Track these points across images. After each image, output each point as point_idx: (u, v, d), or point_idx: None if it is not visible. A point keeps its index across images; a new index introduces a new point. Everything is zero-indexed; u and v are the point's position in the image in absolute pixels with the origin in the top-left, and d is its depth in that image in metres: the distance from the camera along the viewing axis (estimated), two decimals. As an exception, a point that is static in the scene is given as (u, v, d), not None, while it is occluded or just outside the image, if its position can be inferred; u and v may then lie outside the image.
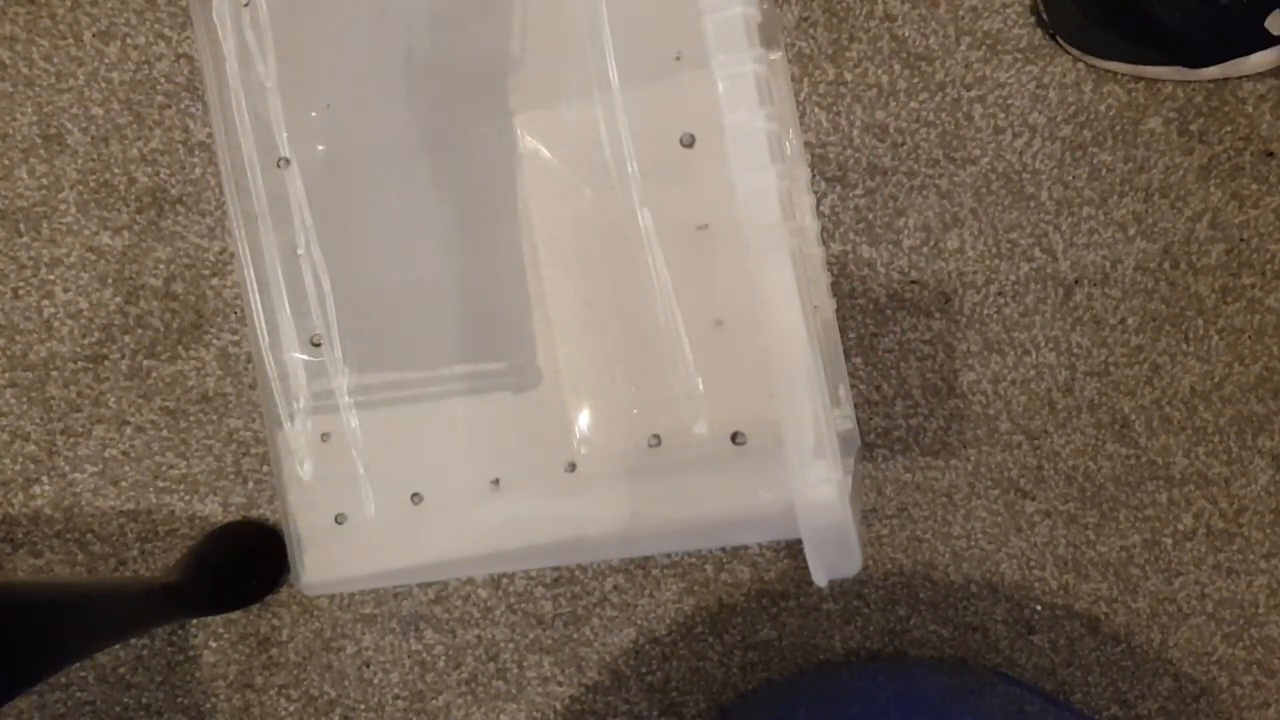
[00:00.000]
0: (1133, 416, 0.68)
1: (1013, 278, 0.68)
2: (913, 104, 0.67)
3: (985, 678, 0.68)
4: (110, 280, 0.77)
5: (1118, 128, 0.66)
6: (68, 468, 0.78)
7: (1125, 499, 0.68)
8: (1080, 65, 0.66)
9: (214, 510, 0.78)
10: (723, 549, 0.72)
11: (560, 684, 0.76)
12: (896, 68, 0.67)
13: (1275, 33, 0.59)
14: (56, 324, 0.78)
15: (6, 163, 0.78)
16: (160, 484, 0.78)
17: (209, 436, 0.77)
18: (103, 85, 0.76)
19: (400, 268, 0.69)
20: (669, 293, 0.64)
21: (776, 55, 0.67)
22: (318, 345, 0.70)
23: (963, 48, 0.67)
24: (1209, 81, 0.64)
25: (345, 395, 0.69)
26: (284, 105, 0.68)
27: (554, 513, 0.67)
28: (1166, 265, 0.66)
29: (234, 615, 0.78)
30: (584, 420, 0.66)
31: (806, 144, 0.69)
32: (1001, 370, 0.68)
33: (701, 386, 0.64)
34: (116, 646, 0.78)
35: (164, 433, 0.77)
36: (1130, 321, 0.67)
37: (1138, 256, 0.66)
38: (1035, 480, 0.69)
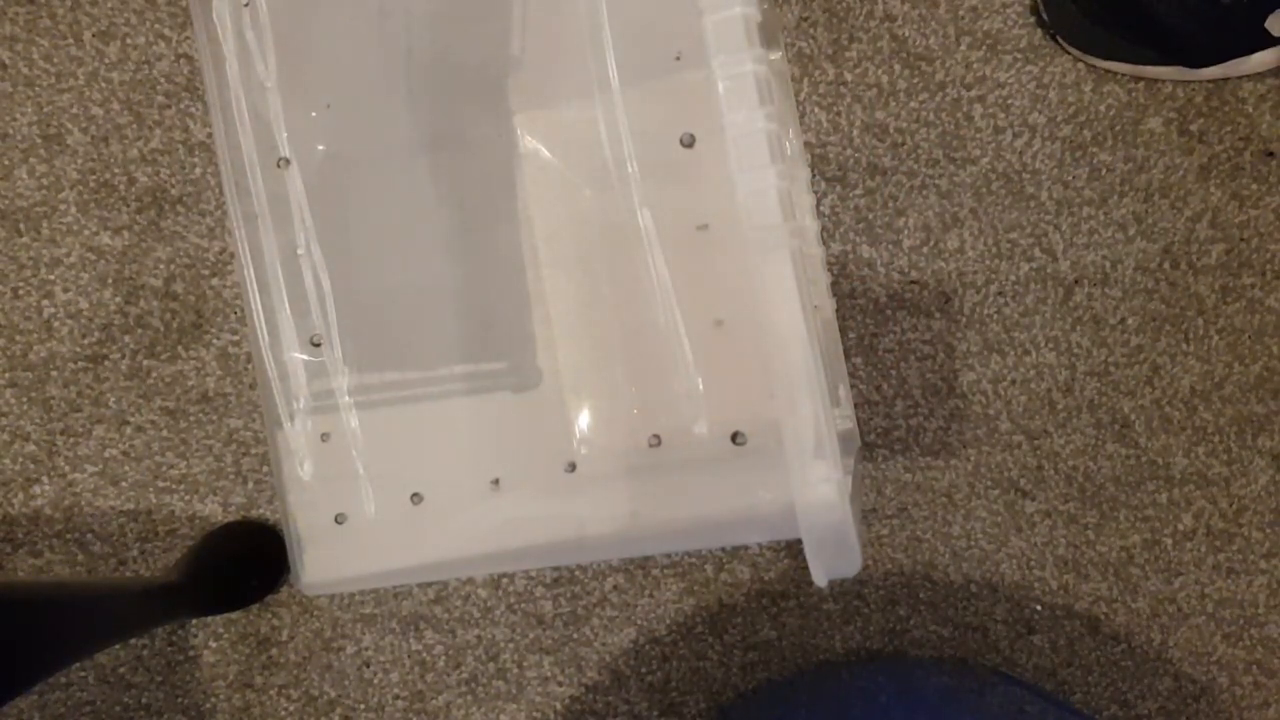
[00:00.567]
0: (1133, 416, 0.68)
1: (1013, 278, 0.68)
2: (913, 104, 0.67)
3: (985, 678, 0.68)
4: (110, 280, 0.77)
5: (1118, 128, 0.66)
6: (68, 468, 0.78)
7: (1125, 499, 0.68)
8: (1080, 65, 0.66)
9: (214, 510, 0.78)
10: (723, 549, 0.72)
11: (560, 684, 0.76)
12: (896, 68, 0.67)
13: (1275, 33, 0.59)
14: (56, 324, 0.78)
15: (6, 163, 0.78)
16: (160, 484, 0.78)
17: (209, 436, 0.77)
18: (103, 85, 0.76)
19: (400, 267, 0.69)
20: (669, 293, 0.64)
21: (776, 55, 0.67)
22: (318, 345, 0.70)
23: (963, 48, 0.67)
24: (1209, 81, 0.64)
25: (345, 395, 0.69)
26: (284, 105, 0.68)
27: (554, 513, 0.67)
28: (1166, 265, 0.66)
29: (234, 615, 0.78)
30: (584, 420, 0.66)
31: (806, 144, 0.69)
32: (1001, 370, 0.68)
33: (701, 386, 0.64)
34: (116, 646, 0.78)
35: (164, 433, 0.77)
36: (1130, 321, 0.67)
37: (1138, 256, 0.66)
38: (1035, 480, 0.69)
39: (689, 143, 0.63)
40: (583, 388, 0.66)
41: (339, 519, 0.70)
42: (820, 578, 0.49)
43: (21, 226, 0.78)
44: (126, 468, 0.78)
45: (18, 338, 0.78)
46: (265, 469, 0.77)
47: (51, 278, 0.78)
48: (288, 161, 0.69)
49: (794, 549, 0.72)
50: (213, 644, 0.79)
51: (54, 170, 0.77)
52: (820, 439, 0.47)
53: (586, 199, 0.65)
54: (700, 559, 0.73)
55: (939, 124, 0.67)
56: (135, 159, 0.76)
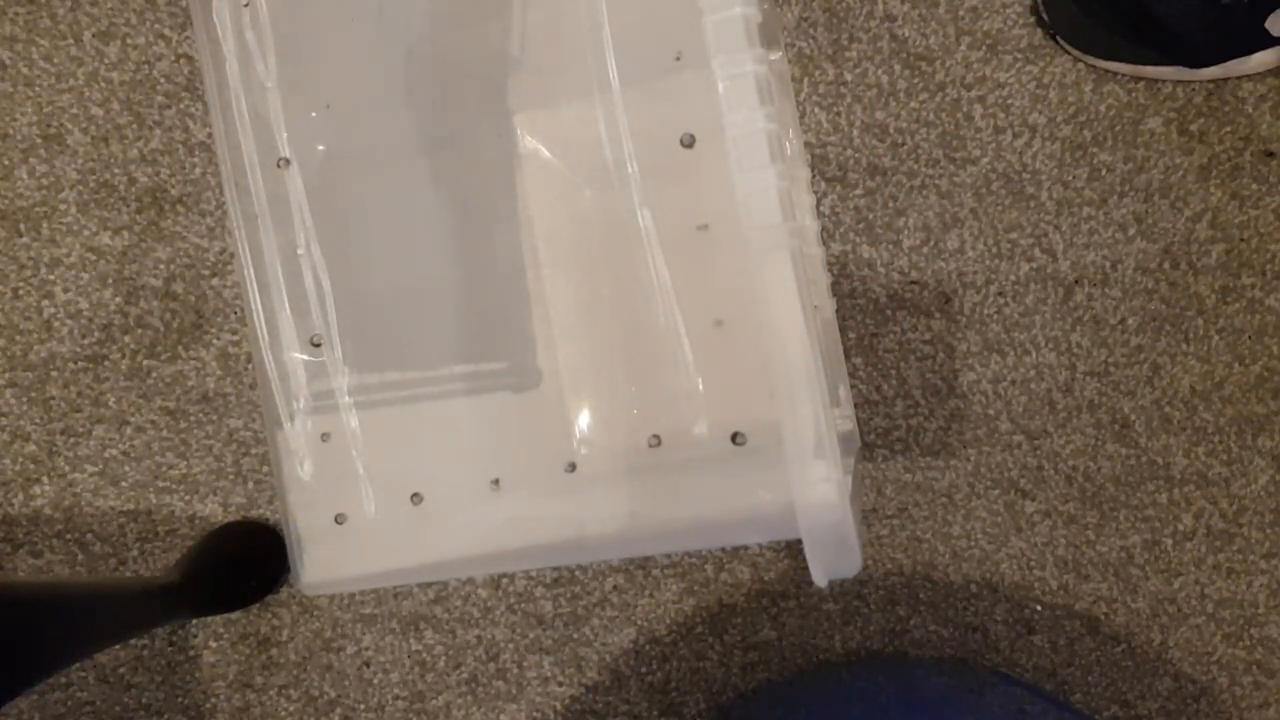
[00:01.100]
0: (1133, 416, 0.68)
1: (1013, 278, 0.68)
2: (913, 104, 0.67)
3: (985, 678, 0.68)
4: (110, 280, 0.77)
5: (1118, 128, 0.66)
6: (68, 468, 0.78)
7: (1125, 499, 0.68)
8: (1080, 65, 0.66)
9: (214, 510, 0.78)
10: (723, 549, 0.72)
11: (560, 684, 0.76)
12: (896, 68, 0.67)
13: (1275, 33, 0.59)
14: (56, 324, 0.78)
15: (6, 163, 0.78)
16: (160, 484, 0.78)
17: (209, 436, 0.77)
18: (103, 85, 0.76)
19: (400, 268, 0.69)
20: (669, 293, 0.64)
21: (776, 55, 0.67)
22: (318, 345, 0.70)
23: (963, 48, 0.67)
24: (1209, 81, 0.64)
25: (345, 395, 0.70)
26: (284, 105, 0.68)
27: (554, 513, 0.67)
28: (1166, 265, 0.66)
29: (234, 615, 0.78)
30: (584, 420, 0.66)
31: (806, 144, 0.69)
32: (1001, 370, 0.68)
33: (701, 386, 0.64)
34: (116, 646, 0.78)
35: (164, 433, 0.77)
36: (1130, 321, 0.67)
37: (1138, 256, 0.66)
38: (1035, 480, 0.69)
39: (689, 143, 0.63)
40: (583, 388, 0.66)
41: (339, 519, 0.70)
42: (820, 578, 0.49)
43: (21, 226, 0.78)
44: (126, 468, 0.78)
45: (18, 338, 0.78)
46: (265, 469, 0.77)
47: (51, 278, 0.78)
48: (288, 161, 0.69)
49: (794, 549, 0.72)
50: (213, 644, 0.79)
51: (54, 170, 0.77)
52: (820, 439, 0.47)
53: (586, 199, 0.65)
54: (700, 559, 0.73)
55: (939, 124, 0.67)
56: (135, 159, 0.76)
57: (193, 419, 0.77)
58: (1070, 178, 0.66)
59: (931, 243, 0.68)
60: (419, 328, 0.69)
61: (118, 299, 0.77)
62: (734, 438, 0.64)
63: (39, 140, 0.77)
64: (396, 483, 0.69)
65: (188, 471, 0.77)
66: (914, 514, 0.71)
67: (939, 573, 0.71)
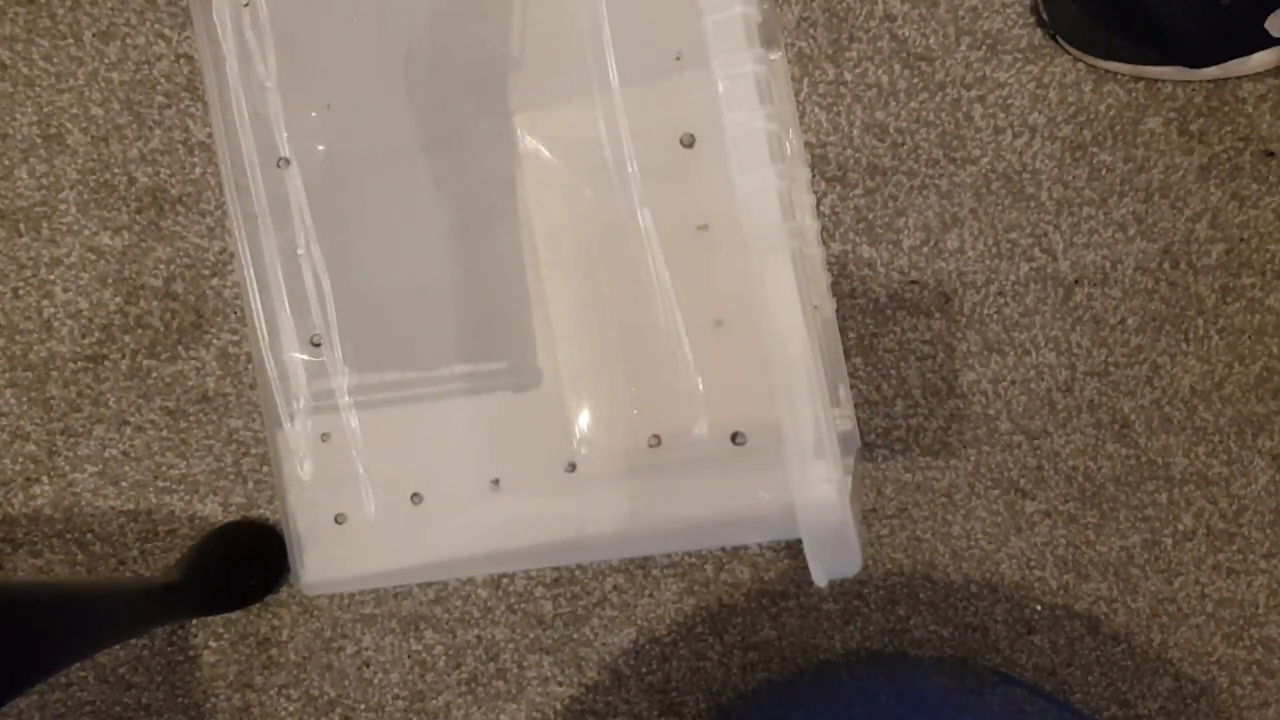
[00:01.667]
0: (1133, 416, 0.68)
1: (1013, 278, 0.68)
2: (913, 104, 0.67)
3: (985, 678, 0.68)
4: (110, 280, 0.77)
5: (1118, 128, 0.66)
6: (68, 468, 0.78)
7: (1125, 499, 0.68)
8: (1080, 65, 0.66)
9: (214, 510, 0.78)
10: (723, 549, 0.72)
11: (560, 684, 0.76)
12: (896, 68, 0.67)
13: (1275, 33, 0.59)
14: (56, 324, 0.78)
15: (6, 163, 0.78)
16: (160, 484, 0.78)
17: (209, 436, 0.77)
18: (103, 85, 0.76)
19: (400, 267, 0.69)
20: (669, 293, 0.64)
21: (776, 55, 0.67)
22: (318, 345, 0.70)
23: (963, 48, 0.67)
24: (1209, 81, 0.64)
25: (345, 395, 0.70)
26: (284, 105, 0.68)
27: (554, 513, 0.67)
28: (1166, 265, 0.66)
29: (234, 615, 0.78)
30: (584, 420, 0.66)
31: (806, 144, 0.69)
32: (1001, 370, 0.68)
33: (701, 386, 0.64)
34: (116, 646, 0.78)
35: (164, 433, 0.77)
36: (1130, 321, 0.67)
37: (1138, 256, 0.66)
38: (1035, 480, 0.69)
39: (689, 143, 0.63)
40: (583, 388, 0.66)
41: (339, 519, 0.70)
42: (820, 578, 0.49)
43: (21, 226, 0.78)
44: (126, 468, 0.78)
45: (18, 338, 0.78)
46: (265, 469, 0.77)
47: (51, 278, 0.78)
48: (288, 161, 0.69)
49: (794, 549, 0.72)
50: (213, 644, 0.79)
51: (54, 170, 0.77)
52: (820, 439, 0.47)
53: (586, 199, 0.65)
54: (700, 559, 0.73)
55: (939, 124, 0.67)
56: (135, 159, 0.76)
57: (193, 419, 0.77)
58: (1070, 178, 0.66)
59: (931, 243, 0.68)
60: (419, 328, 0.69)
61: (118, 299, 0.77)
62: (734, 438, 0.64)
63: (39, 140, 0.77)
64: (396, 483, 0.69)
65: (188, 471, 0.77)
66: (914, 514, 0.71)
67: (939, 573, 0.71)
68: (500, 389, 0.68)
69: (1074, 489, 0.69)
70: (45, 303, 0.78)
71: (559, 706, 0.76)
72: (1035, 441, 0.69)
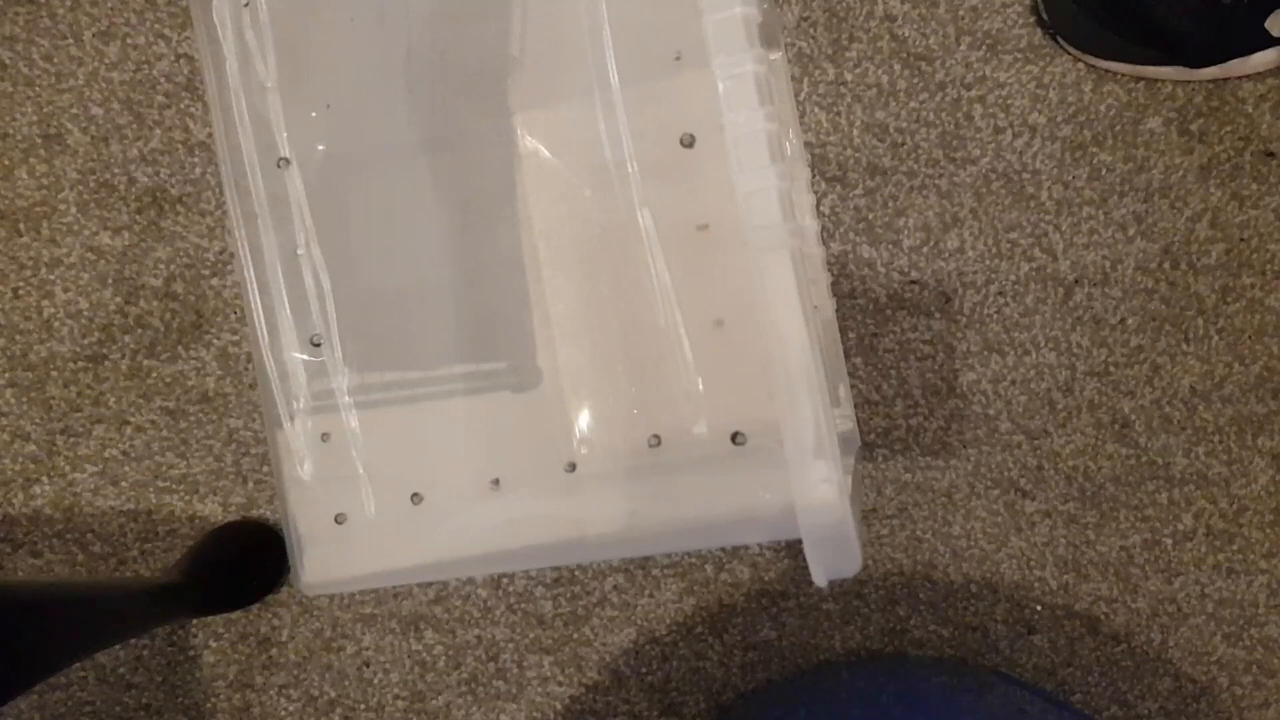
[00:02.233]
0: (1133, 416, 0.68)
1: (1013, 278, 0.68)
2: (913, 104, 0.67)
3: (985, 678, 0.68)
4: (110, 280, 0.77)
5: (1118, 128, 0.66)
6: (68, 468, 0.78)
7: (1125, 499, 0.68)
8: (1080, 65, 0.66)
9: (214, 510, 0.78)
10: (723, 549, 0.72)
11: (560, 684, 0.76)
12: (896, 68, 0.67)
13: (1275, 33, 0.59)
14: (56, 324, 0.78)
15: (6, 163, 0.78)
16: (160, 484, 0.78)
17: (209, 436, 0.77)
18: (103, 85, 0.76)
19: (400, 267, 0.69)
20: (669, 293, 0.64)
21: (776, 55, 0.67)
22: (318, 345, 0.70)
23: (963, 48, 0.67)
24: (1209, 81, 0.64)
25: (345, 395, 0.69)
26: (284, 105, 0.68)
27: (554, 513, 0.67)
28: (1166, 265, 0.66)
29: (234, 615, 0.78)
30: (584, 420, 0.66)
31: (806, 144, 0.69)
32: (1001, 370, 0.68)
33: (701, 386, 0.64)
34: (116, 646, 0.78)
35: (164, 433, 0.77)
36: (1130, 321, 0.67)
37: (1138, 256, 0.66)
38: (1035, 480, 0.69)
39: (689, 143, 0.63)
40: (583, 388, 0.66)
41: (339, 519, 0.70)
42: (820, 578, 0.49)
43: (21, 226, 0.78)
44: (126, 468, 0.78)
45: (18, 338, 0.78)
46: (265, 469, 0.77)
47: (51, 278, 0.78)
48: (288, 161, 0.69)
49: (794, 549, 0.72)
50: (213, 644, 0.79)
51: (54, 170, 0.77)
52: (820, 439, 0.47)
53: (586, 199, 0.65)
54: (700, 559, 0.73)
55: (939, 124, 0.67)
56: (135, 159, 0.76)
57: (193, 419, 0.77)
58: (1070, 178, 0.66)
59: (931, 243, 0.68)
60: (419, 328, 0.69)
61: (118, 299, 0.77)
62: (734, 438, 0.64)
63: (39, 140, 0.77)
64: (396, 483, 0.69)
65: (188, 471, 0.77)
66: (914, 514, 0.71)
67: (939, 573, 0.71)
68: (500, 389, 0.68)
69: (1074, 489, 0.69)
70: (45, 303, 0.78)
71: (559, 706, 0.76)
72: (1035, 441, 0.69)
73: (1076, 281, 0.67)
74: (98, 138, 0.77)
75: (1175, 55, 0.62)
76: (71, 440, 0.78)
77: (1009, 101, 0.66)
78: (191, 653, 0.79)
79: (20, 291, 0.78)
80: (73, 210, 0.77)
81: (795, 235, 0.49)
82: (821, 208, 0.69)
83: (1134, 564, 0.69)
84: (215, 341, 0.76)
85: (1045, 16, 0.65)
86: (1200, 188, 0.65)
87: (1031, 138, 0.66)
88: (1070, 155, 0.66)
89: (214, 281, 0.76)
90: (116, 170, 0.77)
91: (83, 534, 0.79)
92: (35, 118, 0.77)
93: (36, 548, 0.79)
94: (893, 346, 0.69)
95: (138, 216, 0.77)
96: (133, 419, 0.78)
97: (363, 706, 0.78)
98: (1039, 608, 0.70)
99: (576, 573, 0.75)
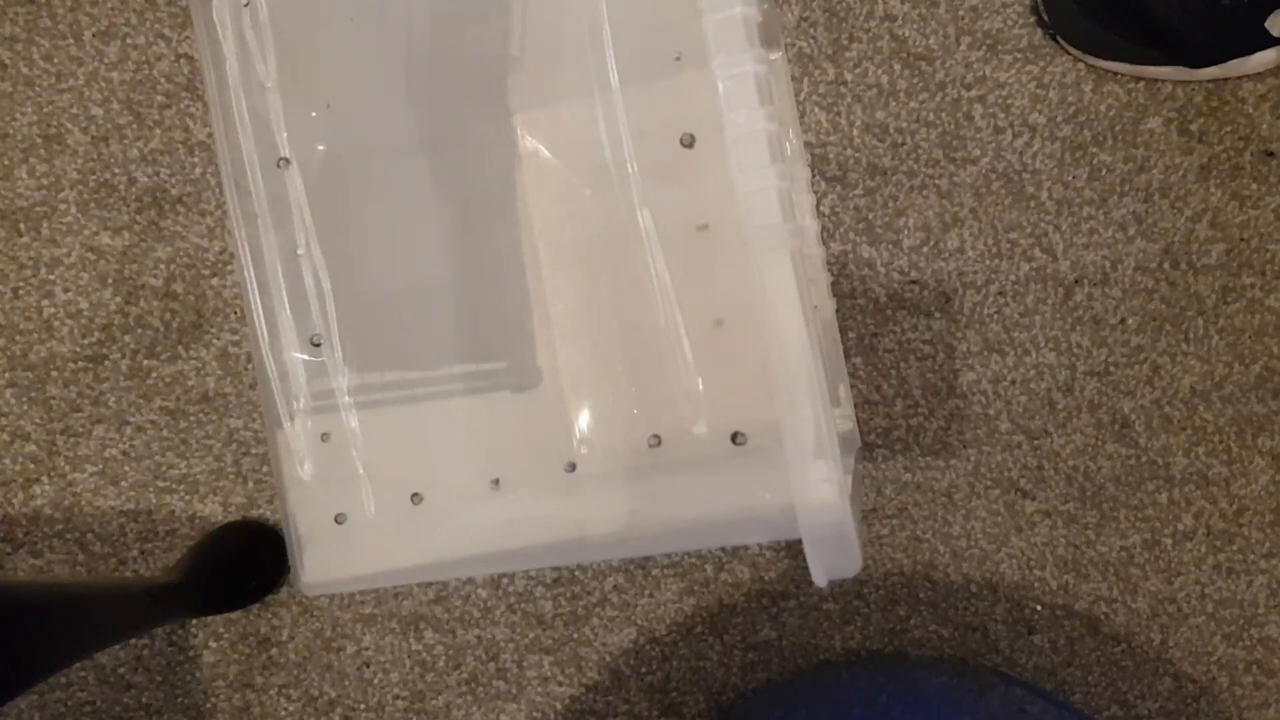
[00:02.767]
0: (1133, 416, 0.68)
1: (1013, 278, 0.68)
2: (913, 104, 0.67)
3: (985, 678, 0.68)
4: (110, 280, 0.77)
5: (1118, 128, 0.66)
6: (68, 468, 0.78)
7: (1125, 499, 0.68)
8: (1080, 65, 0.66)
9: (214, 510, 0.78)
10: (723, 549, 0.72)
11: (560, 684, 0.76)
12: (896, 68, 0.67)
13: (1275, 33, 0.59)
14: (56, 324, 0.78)
15: (6, 163, 0.78)
16: (160, 484, 0.78)
17: (209, 436, 0.77)
18: (103, 85, 0.76)
19: (400, 267, 0.69)
20: (669, 293, 0.64)
21: (776, 55, 0.67)
22: (318, 345, 0.70)
23: (963, 48, 0.67)
24: (1209, 81, 0.64)
25: (345, 395, 0.70)
26: (284, 105, 0.68)
27: (554, 513, 0.67)
28: (1166, 265, 0.66)
29: (234, 615, 0.78)
30: (584, 420, 0.66)
31: (806, 144, 0.69)
32: (1001, 370, 0.68)
33: (701, 386, 0.64)
34: (116, 646, 0.78)
35: (164, 433, 0.77)
36: (1130, 321, 0.67)
37: (1138, 256, 0.66)
38: (1035, 480, 0.69)
39: (689, 143, 0.63)
40: (583, 388, 0.66)
41: (339, 519, 0.70)
42: (820, 578, 0.49)
43: (21, 226, 0.78)
44: (126, 468, 0.78)
45: (18, 338, 0.78)
46: (265, 469, 0.77)
47: (51, 278, 0.78)
48: (288, 161, 0.69)
49: (794, 549, 0.72)
50: (213, 644, 0.79)
51: (54, 170, 0.77)
52: (820, 439, 0.47)
53: (586, 199, 0.65)
54: (700, 559, 0.73)
55: (939, 124, 0.67)
56: (135, 159, 0.76)
57: (193, 419, 0.77)
58: (1070, 178, 0.66)
59: (931, 243, 0.68)
60: (419, 328, 0.69)
61: (118, 299, 0.77)
62: (734, 438, 0.64)
63: (39, 140, 0.77)
64: (396, 483, 0.69)
65: (188, 471, 0.77)
66: (914, 514, 0.71)
67: (939, 573, 0.71)
68: (500, 389, 0.68)
69: (1074, 489, 0.69)
70: (45, 303, 0.78)
71: (559, 706, 0.76)
72: (1035, 441, 0.69)
73: (1076, 281, 0.67)
74: (98, 138, 0.77)
75: (1175, 55, 0.62)
76: (71, 440, 0.78)
77: (1009, 101, 0.66)
78: (191, 653, 0.79)
79: (20, 291, 0.78)
80: (73, 210, 0.77)
81: (795, 235, 0.49)
82: (821, 208, 0.69)
83: (1134, 564, 0.69)
84: (215, 341, 0.76)
85: (1045, 16, 0.65)
86: (1200, 188, 0.65)
87: (1031, 138, 0.66)
88: (1070, 155, 0.66)
89: (214, 281, 0.76)
90: (116, 170, 0.77)
91: (83, 534, 0.79)
92: (35, 118, 0.77)
93: (36, 548, 0.79)
94: (893, 346, 0.69)
95: (138, 216, 0.77)
96: (133, 419, 0.78)
97: (363, 706, 0.78)
98: (1039, 608, 0.70)
99: (576, 573, 0.75)
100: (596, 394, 0.66)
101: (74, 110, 0.77)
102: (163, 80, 0.76)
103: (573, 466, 0.67)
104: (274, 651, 0.78)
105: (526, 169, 0.66)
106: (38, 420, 0.78)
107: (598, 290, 0.66)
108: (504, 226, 0.67)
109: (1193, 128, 0.65)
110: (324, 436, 0.70)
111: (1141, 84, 0.65)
